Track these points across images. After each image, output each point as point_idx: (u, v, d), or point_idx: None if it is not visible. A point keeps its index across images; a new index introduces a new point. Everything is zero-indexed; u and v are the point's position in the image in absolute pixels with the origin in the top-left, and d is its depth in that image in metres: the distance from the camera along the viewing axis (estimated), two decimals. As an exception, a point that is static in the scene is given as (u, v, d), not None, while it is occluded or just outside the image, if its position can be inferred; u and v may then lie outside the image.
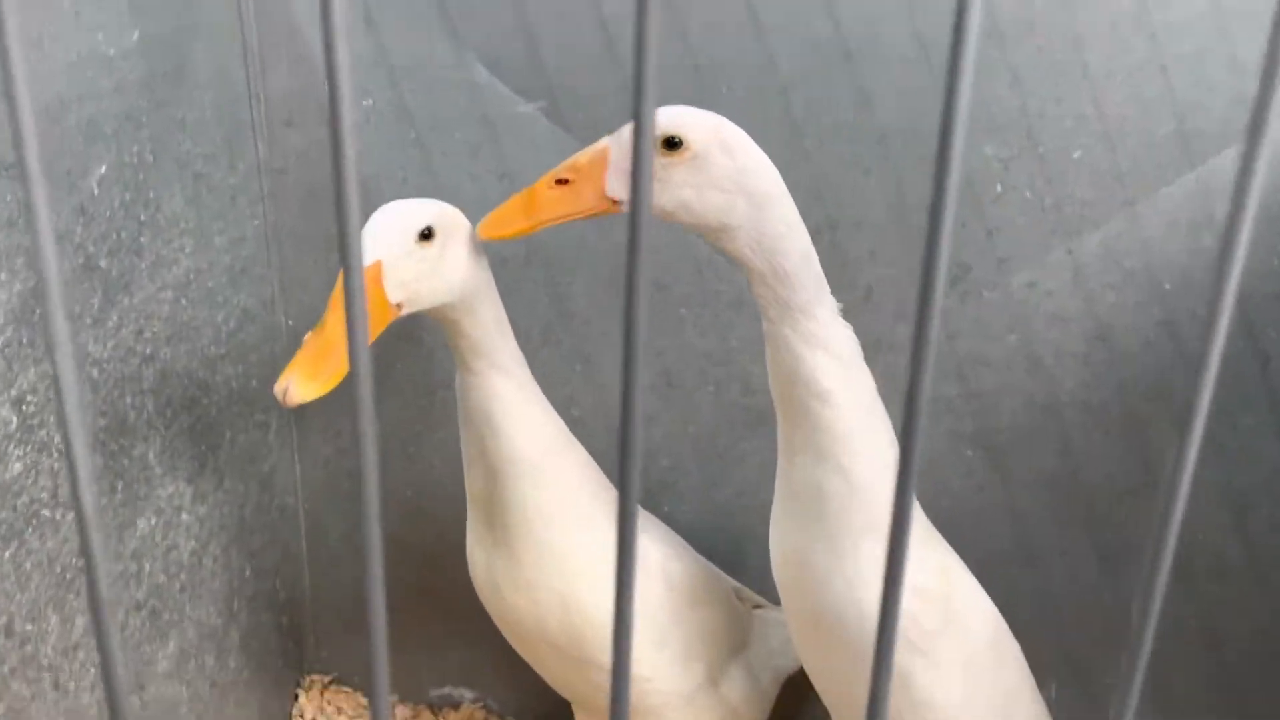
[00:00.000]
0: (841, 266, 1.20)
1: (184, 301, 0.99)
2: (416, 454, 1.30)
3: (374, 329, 0.80)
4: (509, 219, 0.82)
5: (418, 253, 0.83)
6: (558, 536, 0.97)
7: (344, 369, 0.79)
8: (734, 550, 1.30)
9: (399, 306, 0.83)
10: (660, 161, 0.79)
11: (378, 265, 0.80)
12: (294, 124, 1.16)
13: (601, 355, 1.25)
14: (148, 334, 0.93)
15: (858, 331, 1.25)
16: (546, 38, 1.14)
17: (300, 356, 0.79)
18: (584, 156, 0.82)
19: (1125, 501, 1.26)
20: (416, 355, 1.26)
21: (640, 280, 0.31)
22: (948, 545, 0.97)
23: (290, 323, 1.23)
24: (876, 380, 1.26)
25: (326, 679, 1.39)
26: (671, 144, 0.79)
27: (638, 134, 0.32)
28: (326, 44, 0.29)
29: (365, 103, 1.16)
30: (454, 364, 1.25)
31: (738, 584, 1.19)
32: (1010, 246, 1.18)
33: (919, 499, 1.29)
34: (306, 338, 0.81)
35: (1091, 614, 1.29)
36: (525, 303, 1.23)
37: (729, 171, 0.80)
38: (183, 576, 1.00)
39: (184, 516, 0.99)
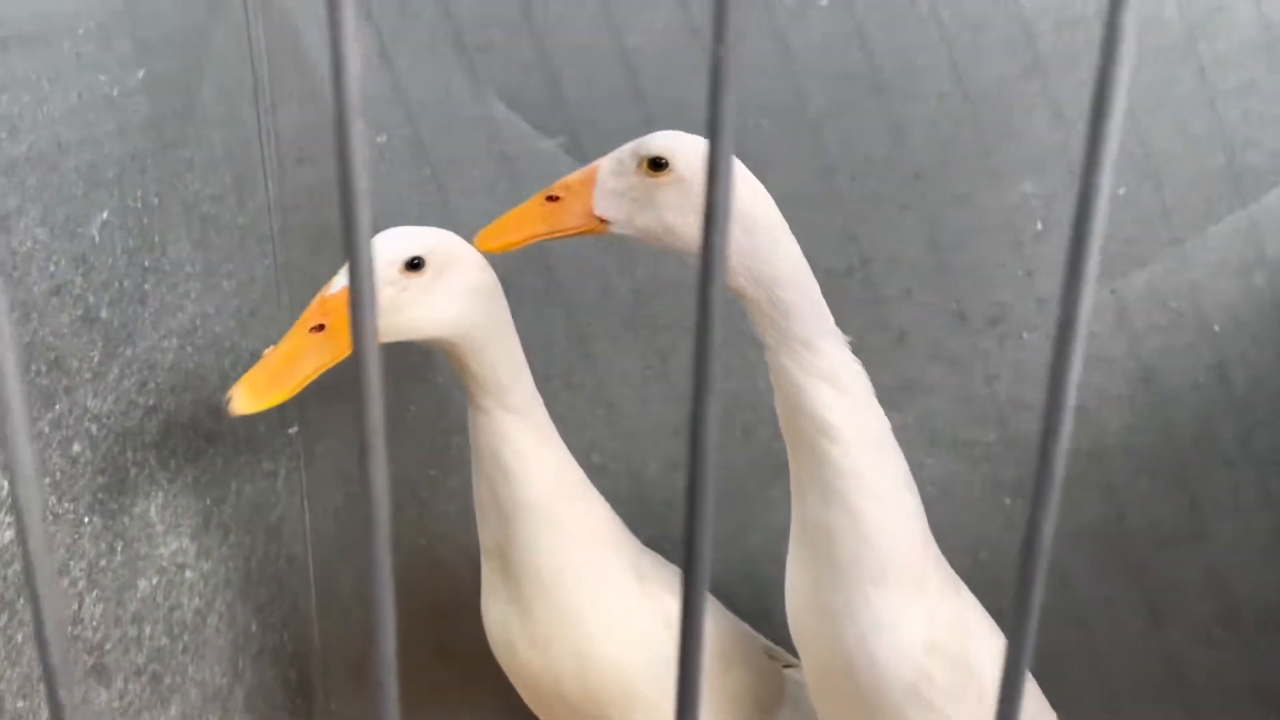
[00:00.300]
0: (875, 305, 1.15)
1: (189, 349, 0.94)
2: (430, 501, 1.25)
3: (339, 352, 0.77)
4: (501, 232, 0.82)
5: (400, 282, 0.79)
6: (574, 591, 0.92)
7: (289, 389, 0.76)
8: (762, 601, 1.24)
9: None
10: (645, 181, 0.79)
11: (343, 292, 0.77)
12: (305, 161, 1.12)
13: (624, 400, 1.20)
14: (151, 385, 0.88)
15: (891, 374, 1.21)
16: (567, 72, 1.10)
17: (254, 370, 0.78)
18: (576, 175, 0.82)
19: (1171, 550, 1.20)
20: (430, 397, 1.21)
21: (713, 310, 0.27)
22: (967, 593, 0.92)
23: (300, 366, 1.19)
24: (910, 424, 1.21)
25: (336, 734, 1.34)
26: (657, 165, 0.78)
27: (713, 177, 0.27)
28: (336, 80, 0.25)
29: (379, 139, 1.12)
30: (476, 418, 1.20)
31: (769, 643, 1.13)
32: (1051, 287, 1.13)
33: (944, 548, 1.24)
34: (266, 352, 0.79)
35: (1137, 667, 1.24)
36: (544, 344, 1.18)
37: None
38: (185, 637, 0.95)
39: (188, 574, 0.95)
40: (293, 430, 1.20)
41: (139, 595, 0.87)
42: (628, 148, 0.81)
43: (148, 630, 0.89)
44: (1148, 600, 1.22)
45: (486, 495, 0.91)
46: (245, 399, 0.76)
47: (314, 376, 0.77)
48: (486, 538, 0.94)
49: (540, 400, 0.91)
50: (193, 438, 0.95)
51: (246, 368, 1.08)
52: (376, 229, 0.83)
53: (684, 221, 0.79)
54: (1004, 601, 1.25)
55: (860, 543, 0.81)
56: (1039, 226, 1.11)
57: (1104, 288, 1.13)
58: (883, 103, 1.08)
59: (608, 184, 0.80)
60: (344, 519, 1.26)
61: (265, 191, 1.10)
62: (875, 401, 0.84)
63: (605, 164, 0.81)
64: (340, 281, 0.78)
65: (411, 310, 0.80)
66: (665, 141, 0.79)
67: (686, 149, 0.79)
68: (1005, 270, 1.13)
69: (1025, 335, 1.15)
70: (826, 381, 0.80)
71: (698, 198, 0.78)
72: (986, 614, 0.92)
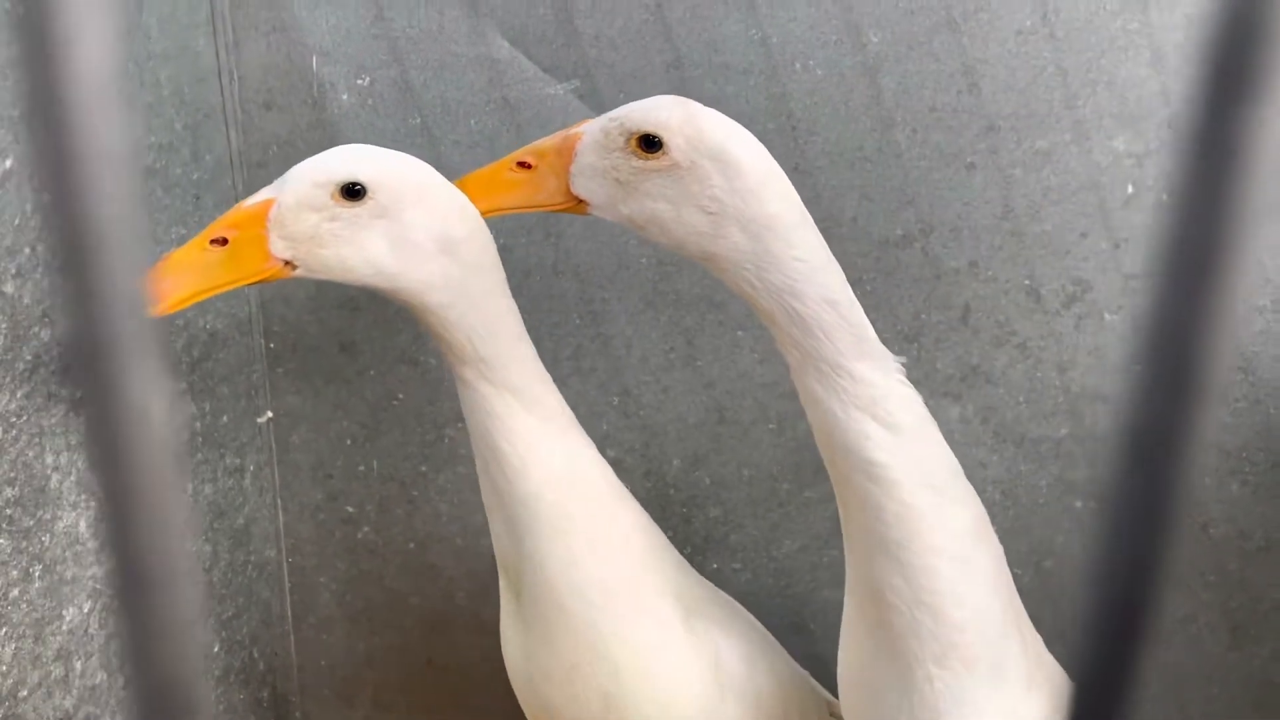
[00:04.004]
0: (935, 280, 1.00)
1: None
2: (421, 499, 1.10)
3: (245, 275, 0.67)
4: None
5: (330, 209, 0.66)
6: (599, 615, 0.76)
7: (188, 298, 0.66)
8: (795, 618, 1.10)
9: (289, 265, 0.67)
10: (633, 163, 0.64)
11: (266, 204, 0.66)
12: (275, 107, 0.96)
13: (642, 387, 1.05)
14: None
15: (951, 359, 1.06)
16: (581, 3, 0.94)
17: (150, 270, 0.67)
18: (552, 141, 0.69)
19: (1260, 561, 1.06)
20: (421, 383, 1.06)
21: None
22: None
23: (271, 345, 1.03)
24: (970, 417, 1.07)
25: (316, 756, 1.20)
26: (650, 144, 0.64)
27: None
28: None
29: (361, 81, 0.96)
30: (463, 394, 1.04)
31: (829, 696, 0.97)
32: (1141, 260, 0.97)
33: (1006, 556, 1.09)
34: (168, 255, 0.68)
35: (1218, 691, 1.10)
36: (552, 323, 1.03)
37: (720, 192, 0.63)
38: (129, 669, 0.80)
39: (130, 597, 0.79)
40: (263, 420, 1.05)
41: (65, 627, 0.72)
42: (616, 117, 0.66)
43: (78, 667, 0.74)
44: (1231, 619, 1.08)
45: (488, 491, 0.77)
46: None
47: (203, 298, 0.67)
48: (499, 545, 0.79)
49: (549, 384, 0.75)
50: (135, 434, 0.80)
51: (205, 349, 0.93)
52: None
53: (676, 218, 0.64)
54: (1070, 618, 1.11)
55: (918, 611, 0.66)
56: (1130, 190, 0.96)
57: (1201, 262, 0.98)
58: (952, 41, 0.92)
59: (588, 158, 0.66)
60: (323, 518, 1.11)
61: (227, 141, 0.94)
62: (936, 434, 0.68)
63: (589, 132, 0.67)
64: (265, 192, 0.68)
65: (337, 247, 0.67)
66: (661, 115, 0.65)
67: (688, 128, 0.64)
68: (1088, 241, 0.97)
69: (1107, 317, 1.00)
70: (866, 412, 0.65)
71: (698, 190, 0.63)
72: None
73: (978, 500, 0.69)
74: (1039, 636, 0.76)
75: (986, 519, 0.69)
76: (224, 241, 0.66)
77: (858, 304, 0.65)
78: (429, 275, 0.68)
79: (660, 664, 0.77)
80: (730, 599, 0.88)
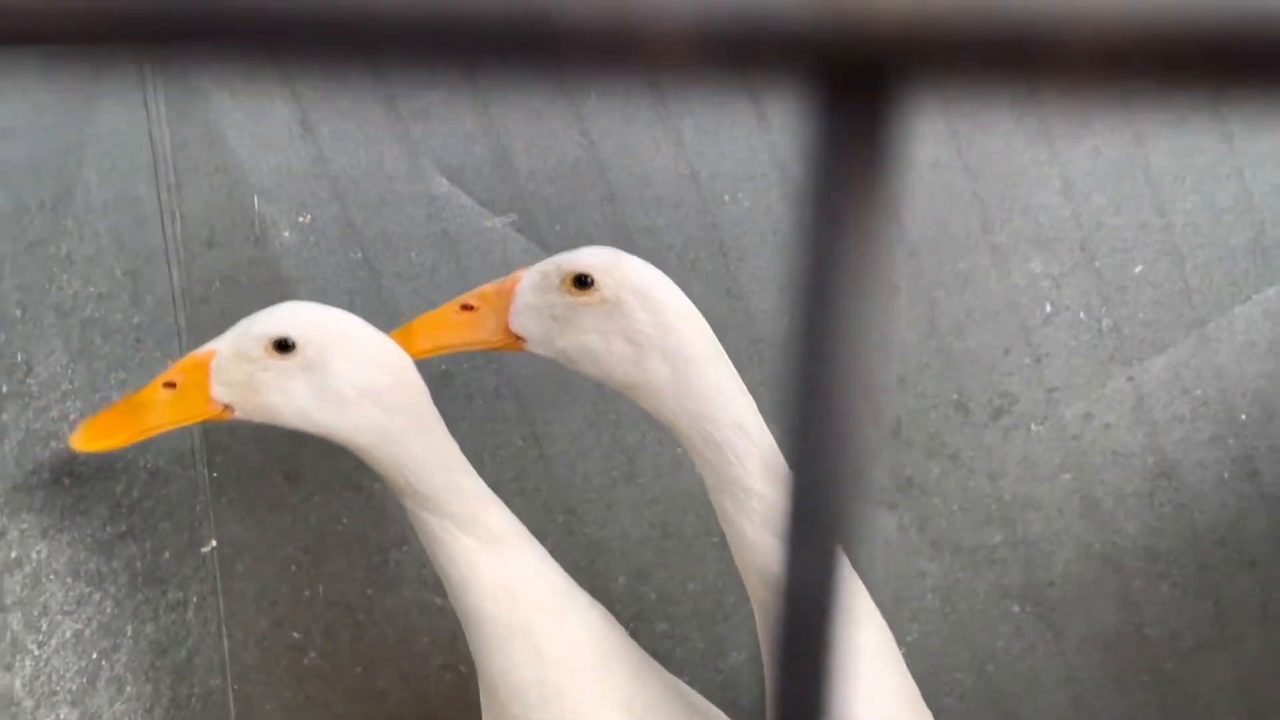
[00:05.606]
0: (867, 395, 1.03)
1: (66, 481, 0.79)
2: (367, 623, 1.10)
3: (188, 416, 0.75)
4: (409, 339, 0.77)
5: (263, 360, 0.74)
6: (535, 714, 0.79)
7: (129, 437, 0.75)
8: (744, 729, 1.10)
9: (228, 408, 0.75)
10: (567, 299, 0.72)
11: (210, 354, 0.75)
12: (217, 244, 0.98)
13: (586, 507, 1.06)
14: (12, 534, 0.73)
15: (885, 471, 1.08)
16: (517, 141, 0.97)
17: (103, 412, 0.77)
18: (493, 285, 0.77)
19: (1194, 660, 1.09)
20: (365, 508, 1.07)
21: None
22: None
23: (215, 475, 1.04)
24: (907, 526, 1.09)
25: None
26: (581, 283, 0.72)
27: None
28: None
29: (302, 219, 0.98)
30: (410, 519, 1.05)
31: None
32: (1062, 374, 1.01)
33: (947, 661, 1.11)
34: (127, 396, 0.78)
35: (1159, 789, 1.11)
36: (495, 445, 1.04)
37: (645, 325, 0.71)
38: (65, 826, 0.79)
39: (66, 751, 0.79)
40: (207, 549, 1.05)
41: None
42: (552, 261, 0.74)
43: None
44: (1168, 716, 1.11)
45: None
46: (83, 438, 0.74)
47: (156, 432, 0.76)
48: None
49: (491, 504, 0.80)
50: (72, 586, 0.80)
51: (146, 489, 0.93)
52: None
53: (606, 348, 0.72)
54: (1014, 717, 1.12)
55: None
56: (1048, 309, 1.00)
57: (1120, 375, 1.01)
58: (873, 174, 0.96)
59: (527, 298, 0.74)
60: (269, 645, 1.10)
61: (170, 281, 0.95)
62: (845, 562, 0.72)
63: (527, 276, 0.75)
64: (213, 343, 0.75)
65: (267, 394, 0.73)
66: (592, 259, 0.73)
67: (615, 269, 0.72)
68: (1011, 357, 1.01)
69: (1034, 428, 1.03)
70: (774, 533, 0.69)
71: (625, 325, 0.71)
72: None
73: (882, 622, 0.73)
74: None
75: (892, 641, 0.72)
76: (172, 385, 0.74)
77: (768, 430, 0.70)
78: (353, 421, 0.74)
79: None
80: (711, 708, 0.90)
